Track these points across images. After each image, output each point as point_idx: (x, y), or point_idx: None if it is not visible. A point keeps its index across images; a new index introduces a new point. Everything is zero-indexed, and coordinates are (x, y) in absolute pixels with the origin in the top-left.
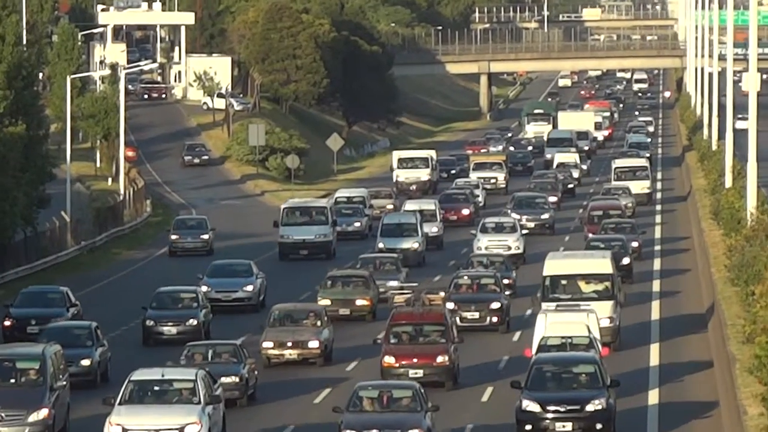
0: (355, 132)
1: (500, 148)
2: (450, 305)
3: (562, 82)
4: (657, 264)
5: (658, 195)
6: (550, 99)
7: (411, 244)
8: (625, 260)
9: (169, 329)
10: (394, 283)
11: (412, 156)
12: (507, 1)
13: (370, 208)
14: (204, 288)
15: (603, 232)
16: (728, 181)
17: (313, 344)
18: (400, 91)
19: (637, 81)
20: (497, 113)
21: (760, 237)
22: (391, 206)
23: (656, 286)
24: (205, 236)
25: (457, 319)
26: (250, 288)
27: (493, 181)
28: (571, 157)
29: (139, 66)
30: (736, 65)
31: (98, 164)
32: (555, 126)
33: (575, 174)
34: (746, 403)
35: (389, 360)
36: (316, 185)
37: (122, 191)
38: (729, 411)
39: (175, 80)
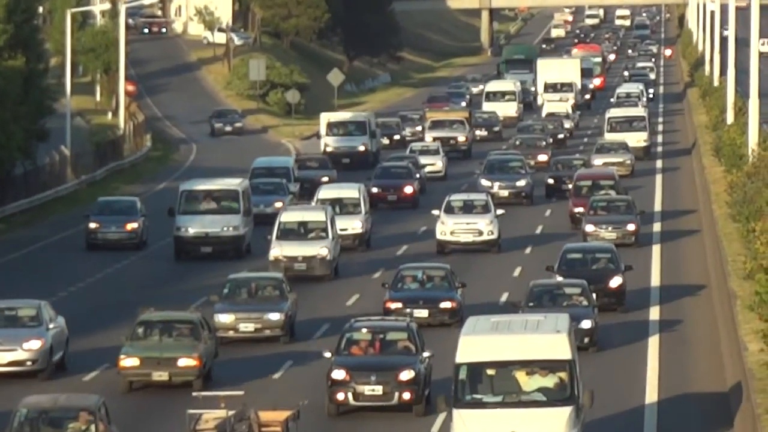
0: (355, 67)
1: (463, 104)
2: (338, 374)
3: (555, 33)
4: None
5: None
6: (545, 45)
7: (318, 250)
8: (615, 281)
9: None
10: (275, 317)
11: (344, 120)
12: None
13: (296, 183)
14: None
15: (592, 211)
16: (730, 118)
17: None
18: (400, 26)
19: (639, 27)
20: (498, 49)
21: (762, 173)
22: (326, 179)
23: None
24: (134, 224)
25: (350, 395)
26: (35, 344)
27: (452, 141)
28: (561, 106)
29: (139, 0)
30: (738, 1)
31: (98, 98)
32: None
33: (567, 125)
34: (747, 340)
35: None
36: (315, 120)
37: (122, 125)
38: (729, 347)
39: (176, 14)
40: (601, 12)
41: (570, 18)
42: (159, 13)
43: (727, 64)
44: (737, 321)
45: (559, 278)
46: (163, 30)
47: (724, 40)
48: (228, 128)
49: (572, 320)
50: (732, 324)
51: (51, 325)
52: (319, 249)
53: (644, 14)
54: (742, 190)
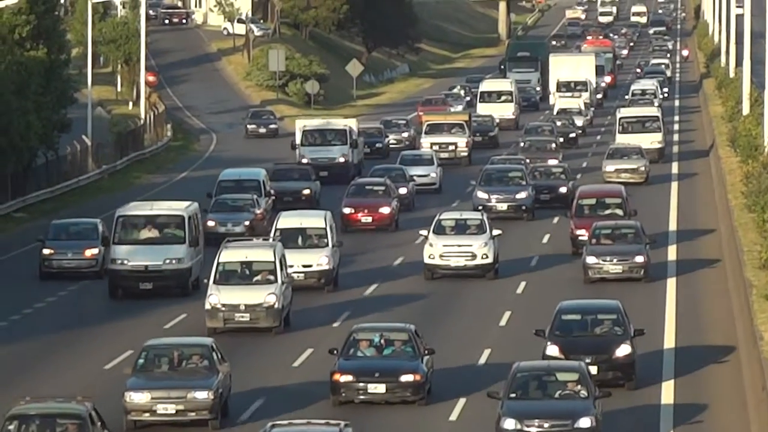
0: (374, 58)
1: (460, 108)
2: None
3: (571, 31)
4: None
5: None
6: (555, 42)
7: (264, 297)
8: (622, 350)
9: None
10: (202, 395)
11: (322, 128)
12: None
13: (267, 198)
14: None
15: (594, 240)
16: (746, 108)
17: None
18: (418, 17)
19: (654, 23)
20: (515, 40)
21: None
22: (308, 191)
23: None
24: (94, 250)
25: None
26: None
27: (451, 147)
28: (574, 102)
29: None
30: None
31: (119, 89)
32: (544, 74)
33: (579, 122)
34: (763, 329)
35: None
36: (335, 110)
37: (143, 115)
38: (745, 337)
39: (196, 5)
40: (614, 9)
41: (583, 16)
42: (179, 4)
43: (743, 55)
44: (753, 311)
45: (552, 347)
46: (184, 21)
47: (739, 32)
48: (262, 130)
49: (567, 417)
50: (748, 314)
51: None
52: (266, 296)
53: (661, 11)
54: (757, 180)
